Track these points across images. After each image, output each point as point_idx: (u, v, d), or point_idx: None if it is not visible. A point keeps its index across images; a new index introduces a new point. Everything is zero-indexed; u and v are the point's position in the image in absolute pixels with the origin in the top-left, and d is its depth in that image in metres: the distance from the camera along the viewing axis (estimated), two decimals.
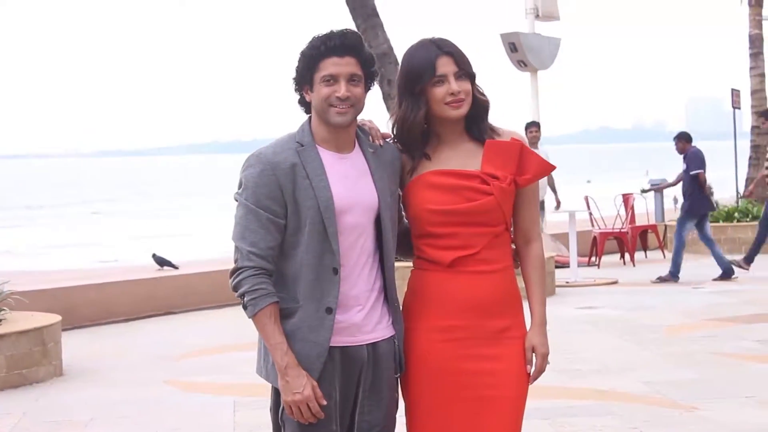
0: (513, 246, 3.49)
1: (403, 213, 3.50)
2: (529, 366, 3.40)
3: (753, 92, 20.46)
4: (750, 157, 20.77)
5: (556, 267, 13.34)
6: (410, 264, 3.48)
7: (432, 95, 3.34)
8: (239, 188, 3.29)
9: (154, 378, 8.24)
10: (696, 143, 13.63)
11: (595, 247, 15.60)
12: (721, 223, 16.66)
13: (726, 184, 21.04)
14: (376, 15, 13.12)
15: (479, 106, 3.40)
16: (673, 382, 7.37)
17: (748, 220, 16.39)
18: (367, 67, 3.31)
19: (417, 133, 3.39)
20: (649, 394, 7.03)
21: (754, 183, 15.63)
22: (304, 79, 3.31)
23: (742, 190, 19.26)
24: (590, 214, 15.95)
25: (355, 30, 3.41)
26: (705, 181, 13.19)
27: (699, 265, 14.59)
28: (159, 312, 11.74)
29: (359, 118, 3.37)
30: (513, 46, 15.69)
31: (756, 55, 20.62)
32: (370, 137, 3.41)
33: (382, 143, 3.42)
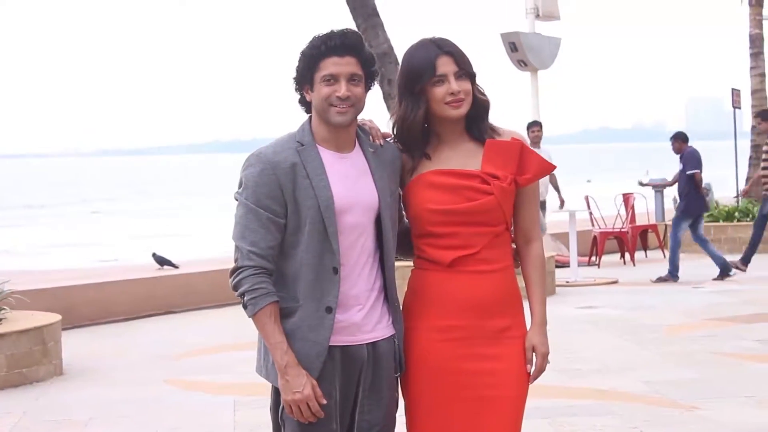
0: (513, 245, 3.50)
1: (404, 212, 3.50)
2: (529, 365, 3.40)
3: (753, 92, 20.47)
4: (750, 157, 20.78)
5: (557, 267, 13.35)
6: (410, 263, 3.48)
7: (432, 95, 3.34)
8: (239, 187, 3.30)
9: (154, 377, 8.24)
10: (696, 143, 13.64)
11: (595, 246, 15.60)
12: (721, 223, 16.67)
13: (726, 183, 21.06)
14: (377, 14, 13.12)
15: (479, 105, 3.40)
16: (673, 381, 7.37)
17: (748, 219, 16.39)
18: (368, 67, 3.32)
19: (417, 133, 3.39)
20: (649, 394, 7.04)
21: (750, 183, 15.63)
22: (305, 78, 3.31)
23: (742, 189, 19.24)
24: (590, 213, 15.95)
25: (356, 30, 3.42)
26: (701, 181, 13.20)
27: (699, 265, 14.58)
28: (159, 311, 11.74)
29: (359, 117, 3.37)
30: (513, 45, 15.69)
31: (756, 54, 20.62)
32: (371, 137, 3.42)
33: (382, 143, 3.42)
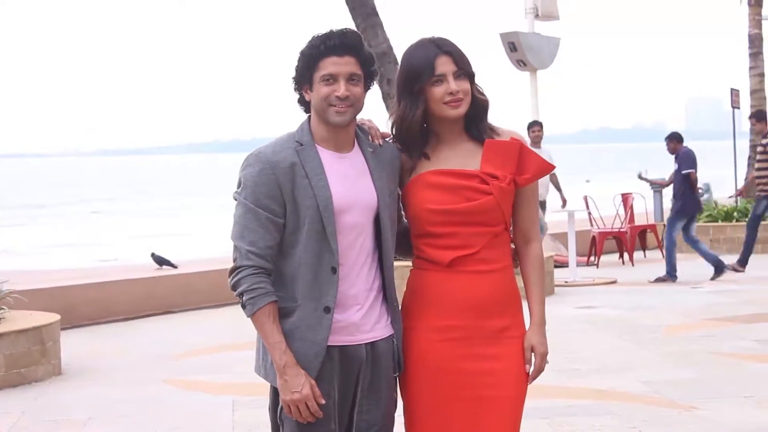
0: (512, 246, 3.50)
1: (402, 212, 3.50)
2: (528, 365, 3.40)
3: (752, 92, 20.46)
4: (749, 157, 20.76)
5: (556, 267, 13.35)
6: (409, 263, 3.48)
7: (431, 95, 3.34)
8: (238, 187, 3.30)
9: (153, 377, 8.24)
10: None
11: (594, 246, 15.61)
12: (720, 223, 16.68)
13: (725, 183, 21.06)
14: (376, 14, 13.11)
15: (478, 105, 3.40)
16: (672, 381, 7.37)
17: (747, 219, 16.38)
18: (367, 67, 3.32)
19: (416, 132, 3.39)
20: (648, 394, 7.04)
21: (745, 183, 15.65)
22: (304, 78, 3.31)
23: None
24: (589, 213, 15.95)
25: (355, 29, 3.42)
26: (696, 180, 13.20)
27: (697, 265, 14.57)
28: (158, 311, 11.74)
29: (359, 117, 3.37)
30: (512, 45, 15.69)
31: (755, 54, 20.62)
32: (370, 137, 3.42)
33: (381, 143, 3.42)
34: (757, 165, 14.14)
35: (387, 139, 3.46)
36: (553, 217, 16.01)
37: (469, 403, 3.34)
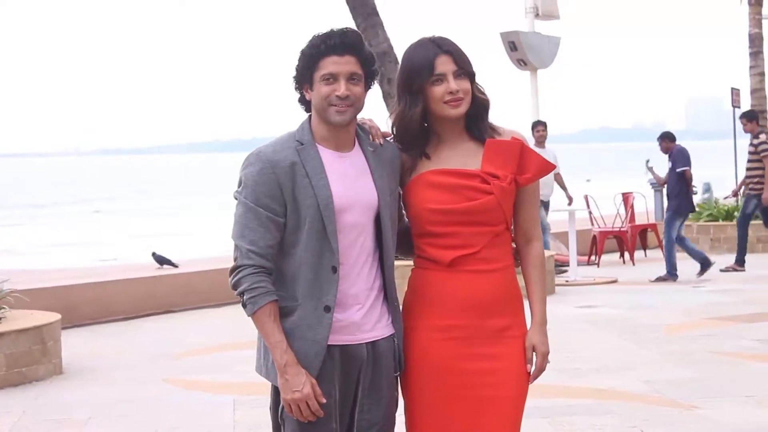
0: (513, 245, 3.49)
1: (403, 211, 3.50)
2: (529, 365, 3.40)
3: (753, 91, 20.45)
4: None
5: (556, 266, 13.35)
6: (410, 263, 3.48)
7: (431, 94, 3.34)
8: (239, 186, 3.30)
9: (154, 376, 8.24)
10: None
11: (594, 246, 15.60)
12: (720, 222, 16.67)
13: (726, 182, 21.05)
14: (376, 14, 13.11)
15: (479, 105, 3.40)
16: (673, 381, 7.37)
17: (752, 219, 16.38)
18: (367, 66, 3.32)
19: (415, 131, 3.39)
20: (649, 393, 7.03)
21: (740, 184, 15.67)
22: (304, 77, 3.31)
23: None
24: (590, 213, 15.94)
25: (355, 29, 3.42)
26: (691, 178, 13.20)
27: (698, 265, 14.58)
28: (159, 311, 11.74)
29: (359, 116, 3.37)
30: (513, 44, 15.69)
31: (756, 54, 20.60)
32: (370, 136, 3.42)
33: (382, 142, 3.42)
34: (747, 165, 14.16)
35: (388, 139, 3.46)
36: (554, 217, 16.01)
37: (470, 403, 3.34)
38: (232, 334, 9.76)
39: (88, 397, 7.60)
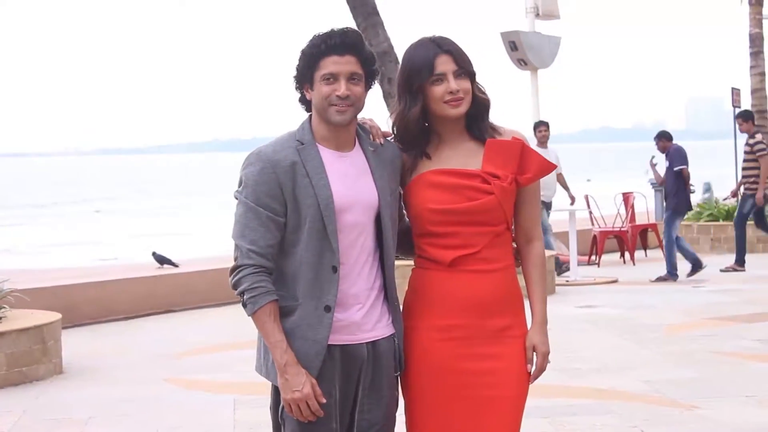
0: (514, 245, 3.50)
1: (404, 211, 3.50)
2: (529, 365, 3.40)
3: (753, 91, 20.43)
4: None
5: (559, 265, 13.36)
6: (411, 262, 3.48)
7: (431, 94, 3.34)
8: (239, 186, 3.30)
9: (154, 376, 8.24)
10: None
11: (595, 245, 15.60)
12: (721, 222, 16.67)
13: (726, 182, 21.06)
14: (377, 13, 13.10)
15: (479, 104, 3.40)
16: (673, 380, 7.37)
17: (748, 219, 16.38)
18: (368, 66, 3.32)
19: (414, 131, 3.39)
20: (649, 393, 7.03)
21: (738, 184, 15.69)
22: (305, 77, 3.32)
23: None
24: (590, 212, 15.94)
25: (356, 28, 3.42)
26: (689, 176, 13.21)
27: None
28: (159, 310, 11.74)
29: (360, 116, 3.38)
30: (513, 44, 15.69)
31: (756, 54, 20.59)
32: (371, 136, 3.42)
33: (382, 142, 3.42)
34: (743, 165, 14.16)
35: (388, 138, 3.46)
36: (555, 217, 16.02)
37: (471, 403, 3.34)
38: (233, 334, 9.76)
39: (88, 397, 7.60)
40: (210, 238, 22.73)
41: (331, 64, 3.25)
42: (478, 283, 3.35)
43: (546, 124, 14.40)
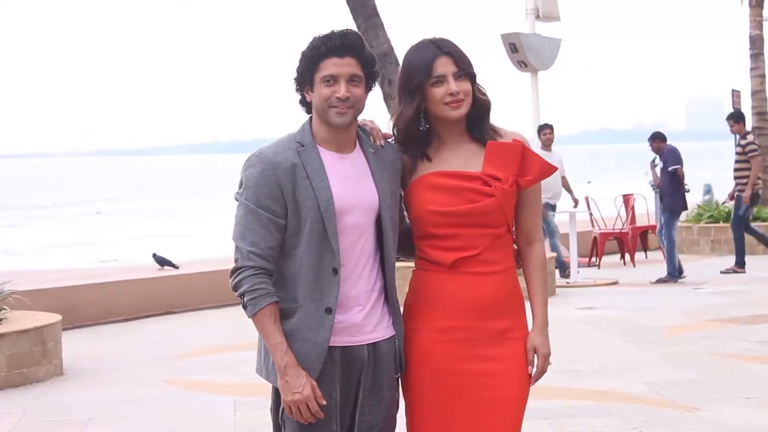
0: (515, 246, 3.49)
1: (405, 213, 3.50)
2: (530, 367, 3.40)
3: (753, 93, 20.43)
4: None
5: (556, 268, 13.35)
6: (412, 264, 3.48)
7: (431, 95, 3.34)
8: (240, 188, 3.30)
9: (155, 377, 8.24)
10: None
11: (595, 247, 15.60)
12: (721, 224, 16.66)
13: (726, 184, 21.06)
14: (377, 15, 13.10)
15: (480, 106, 3.40)
16: (673, 382, 7.37)
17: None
18: (368, 68, 3.32)
19: (413, 132, 3.39)
20: (649, 395, 7.03)
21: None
22: (305, 79, 3.32)
23: None
24: (590, 214, 15.94)
25: (356, 30, 3.42)
26: (683, 176, 13.22)
27: (699, 266, 14.59)
28: (159, 312, 11.74)
29: (360, 118, 3.38)
30: (513, 46, 15.67)
31: (756, 56, 20.58)
32: (371, 137, 3.42)
33: (383, 143, 3.42)
34: (735, 166, 14.16)
35: (389, 140, 3.46)
36: (556, 218, 16.02)
37: (471, 404, 3.34)
38: (233, 336, 9.76)
39: (88, 398, 7.60)
40: (210, 240, 22.73)
41: (331, 65, 3.26)
42: (479, 285, 3.35)
43: (550, 127, 14.40)
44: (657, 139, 13.53)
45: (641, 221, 16.78)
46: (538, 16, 16.17)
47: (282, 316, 3.25)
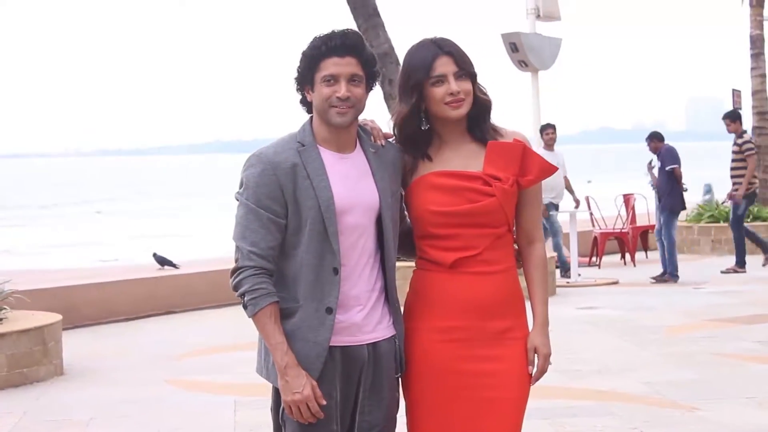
0: (515, 246, 3.49)
1: (405, 213, 3.50)
2: (530, 367, 3.40)
3: (754, 93, 20.43)
4: None
5: (557, 267, 13.35)
6: (412, 264, 3.48)
7: (432, 95, 3.34)
8: (240, 188, 3.30)
9: (155, 377, 8.24)
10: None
11: (595, 247, 15.60)
12: (722, 224, 16.66)
13: (726, 184, 21.07)
14: (377, 14, 13.09)
15: (481, 105, 3.39)
16: (674, 382, 7.37)
17: (748, 220, 16.39)
18: (369, 68, 3.32)
19: (411, 131, 3.39)
20: (650, 395, 7.03)
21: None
22: (306, 79, 3.32)
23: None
24: (591, 214, 15.94)
25: (357, 30, 3.42)
26: (681, 176, 13.22)
27: (699, 266, 14.59)
28: (159, 311, 11.74)
29: (361, 117, 3.38)
30: (514, 46, 15.66)
31: (757, 55, 20.58)
32: (372, 137, 3.42)
33: (383, 143, 3.42)
34: (732, 165, 14.16)
35: (389, 140, 3.46)
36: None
37: (471, 404, 3.34)
38: (233, 335, 9.76)
39: (89, 398, 7.60)
40: (211, 240, 22.72)
41: (332, 65, 3.26)
42: (479, 285, 3.35)
43: (553, 127, 14.40)
44: (655, 139, 13.55)
45: (641, 221, 16.77)
46: (538, 16, 16.17)
47: (282, 316, 3.25)
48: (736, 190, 13.97)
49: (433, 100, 3.34)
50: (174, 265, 13.39)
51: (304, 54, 3.31)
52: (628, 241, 15.62)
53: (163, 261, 13.50)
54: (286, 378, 3.21)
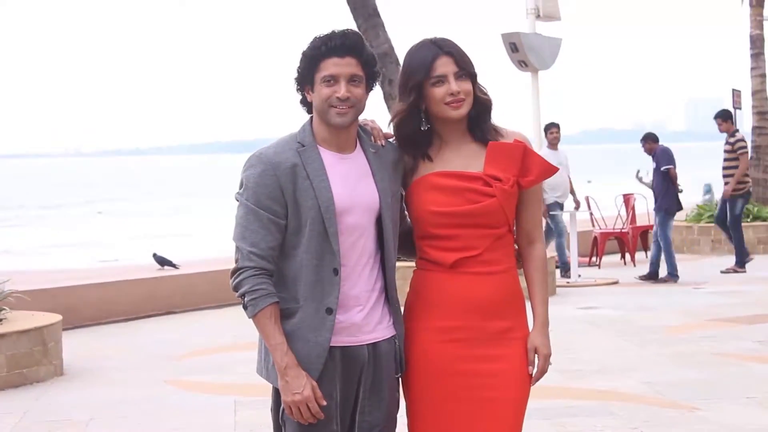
0: (516, 247, 3.49)
1: (406, 213, 3.50)
2: (531, 367, 3.40)
3: (754, 93, 20.43)
4: (751, 158, 20.70)
5: (557, 267, 13.35)
6: (412, 264, 3.48)
7: (432, 95, 3.34)
8: (240, 188, 3.30)
9: (155, 378, 8.24)
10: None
11: (595, 247, 15.60)
12: None
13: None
14: (377, 15, 13.09)
15: (481, 105, 3.39)
16: (674, 382, 7.37)
17: (748, 220, 16.39)
18: (369, 68, 3.31)
19: (411, 131, 3.39)
20: (650, 395, 7.03)
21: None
22: (305, 79, 3.32)
23: None
24: (591, 214, 15.94)
25: (356, 30, 3.41)
26: (676, 176, 13.23)
27: (699, 266, 14.59)
28: (159, 312, 11.74)
29: (361, 118, 3.37)
30: (514, 46, 15.66)
31: (757, 55, 20.58)
32: (372, 137, 3.42)
33: (384, 143, 3.42)
34: (724, 164, 14.15)
35: (390, 140, 3.46)
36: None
37: (471, 404, 3.33)
38: (233, 336, 9.76)
39: (89, 399, 7.60)
40: (211, 240, 22.72)
41: (332, 65, 3.25)
42: (480, 285, 3.34)
43: (557, 126, 14.40)
44: (649, 140, 13.56)
45: (641, 221, 16.77)
46: (538, 16, 16.17)
47: (282, 316, 3.25)
48: (735, 190, 13.97)
49: (433, 101, 3.34)
50: (174, 265, 13.40)
51: (304, 54, 3.31)
52: (628, 241, 15.62)
53: (163, 261, 13.50)
54: (286, 378, 3.21)
